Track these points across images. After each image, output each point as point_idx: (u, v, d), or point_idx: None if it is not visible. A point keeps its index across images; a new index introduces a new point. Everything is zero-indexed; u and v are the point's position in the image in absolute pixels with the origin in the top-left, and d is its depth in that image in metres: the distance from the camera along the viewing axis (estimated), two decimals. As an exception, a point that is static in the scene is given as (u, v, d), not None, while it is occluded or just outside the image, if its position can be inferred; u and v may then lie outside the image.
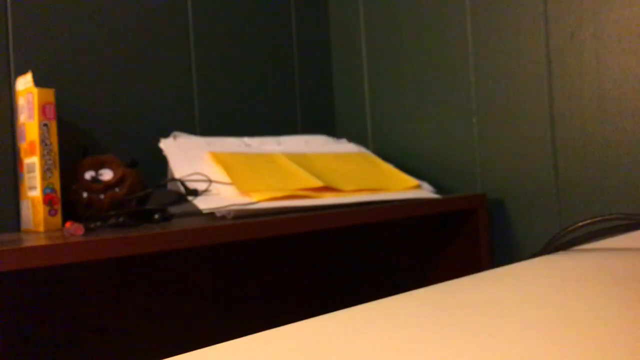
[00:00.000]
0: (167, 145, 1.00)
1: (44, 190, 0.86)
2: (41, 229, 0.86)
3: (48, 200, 0.86)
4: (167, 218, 0.85)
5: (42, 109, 0.87)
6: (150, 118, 1.11)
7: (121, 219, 0.80)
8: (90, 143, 1.04)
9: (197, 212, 0.99)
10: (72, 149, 1.02)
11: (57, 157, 0.88)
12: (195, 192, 0.89)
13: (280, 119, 1.31)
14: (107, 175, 0.94)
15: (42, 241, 0.65)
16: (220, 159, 0.99)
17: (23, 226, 0.91)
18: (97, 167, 0.94)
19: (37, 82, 0.98)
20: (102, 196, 0.92)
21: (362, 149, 1.22)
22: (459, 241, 1.15)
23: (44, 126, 0.87)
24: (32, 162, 0.88)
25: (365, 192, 1.02)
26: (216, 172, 0.96)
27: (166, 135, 1.13)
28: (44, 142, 0.87)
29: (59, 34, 1.01)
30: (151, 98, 1.11)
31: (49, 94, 0.88)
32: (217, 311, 1.16)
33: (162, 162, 1.11)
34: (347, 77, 1.39)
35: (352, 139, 1.39)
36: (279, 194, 0.91)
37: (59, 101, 1.01)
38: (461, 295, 0.34)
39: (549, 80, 1.07)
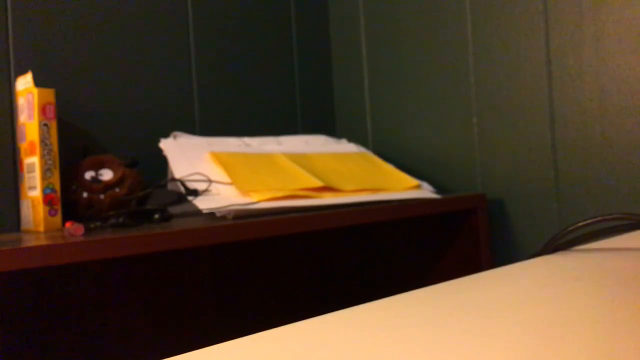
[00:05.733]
0: (167, 145, 1.00)
1: (44, 190, 0.86)
2: (41, 229, 0.86)
3: (48, 200, 0.87)
4: (167, 218, 0.85)
5: (42, 109, 0.87)
6: (150, 118, 1.11)
7: (121, 219, 0.80)
8: (90, 143, 1.04)
9: (197, 212, 0.99)
10: (72, 149, 1.02)
11: (57, 157, 0.88)
12: (195, 192, 0.89)
13: (280, 119, 1.31)
14: (107, 175, 0.94)
15: (42, 241, 0.65)
16: (220, 159, 0.99)
17: (23, 226, 0.91)
18: (97, 167, 0.94)
19: (37, 82, 0.98)
20: (102, 196, 0.92)
21: (362, 149, 1.22)
22: (459, 241, 1.15)
23: (44, 126, 0.87)
24: (32, 162, 0.88)
25: (365, 192, 1.02)
26: (216, 172, 0.96)
27: (166, 135, 1.13)
28: (44, 142, 0.87)
29: (59, 34, 1.01)
30: (151, 98, 1.11)
31: (49, 94, 0.88)
32: (217, 311, 1.16)
33: (162, 162, 1.11)
34: (347, 77, 1.39)
35: (352, 139, 1.39)
36: (279, 194, 0.91)
37: (59, 101, 1.01)
38: (461, 295, 0.34)
39: (549, 80, 1.07)
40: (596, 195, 1.02)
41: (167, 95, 1.14)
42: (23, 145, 0.90)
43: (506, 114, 1.12)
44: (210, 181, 0.92)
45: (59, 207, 0.88)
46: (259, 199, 0.89)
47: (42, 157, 0.87)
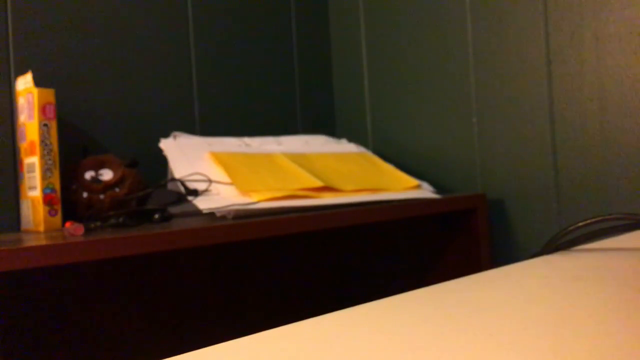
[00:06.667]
0: (167, 145, 1.00)
1: (44, 190, 0.86)
2: (41, 229, 0.86)
3: (48, 200, 0.87)
4: (167, 218, 0.85)
5: (42, 109, 0.87)
6: (150, 118, 1.11)
7: (121, 219, 0.80)
8: (90, 143, 1.04)
9: (197, 212, 0.99)
10: (72, 149, 1.02)
11: (57, 157, 0.88)
12: (195, 192, 0.89)
13: (280, 119, 1.31)
14: (107, 175, 0.94)
15: (42, 241, 0.65)
16: (220, 159, 0.99)
17: (23, 226, 0.91)
18: (97, 167, 0.94)
19: (37, 82, 0.98)
20: (102, 196, 0.92)
21: (362, 149, 1.22)
22: (459, 241, 1.15)
23: (44, 126, 0.87)
24: (32, 162, 0.88)
25: (365, 192, 1.02)
26: (216, 172, 0.96)
27: (166, 135, 1.13)
28: (44, 142, 0.87)
29: (59, 34, 1.01)
30: (151, 98, 1.11)
31: (49, 94, 0.88)
32: (217, 311, 1.16)
33: (162, 162, 1.11)
34: (347, 77, 1.39)
35: (352, 139, 1.39)
36: (279, 194, 0.91)
37: (59, 101, 1.01)
38: (461, 295, 0.34)
39: (549, 80, 1.07)
40: (596, 195, 1.02)
41: (167, 95, 1.14)
42: (23, 145, 0.90)
43: (506, 114, 1.12)
44: (210, 181, 0.92)
45: (59, 207, 0.88)
46: (259, 199, 0.89)
47: (42, 157, 0.87)
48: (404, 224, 1.26)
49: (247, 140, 1.12)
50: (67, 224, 0.72)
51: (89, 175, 0.93)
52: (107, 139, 1.06)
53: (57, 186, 0.88)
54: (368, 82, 1.35)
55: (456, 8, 1.18)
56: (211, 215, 0.91)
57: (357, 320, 0.30)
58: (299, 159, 1.08)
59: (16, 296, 0.94)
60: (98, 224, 0.78)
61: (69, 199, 0.92)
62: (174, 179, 0.91)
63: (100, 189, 0.92)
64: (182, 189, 0.91)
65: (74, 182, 0.92)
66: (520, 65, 1.10)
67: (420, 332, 0.27)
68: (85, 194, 0.92)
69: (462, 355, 0.24)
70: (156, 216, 0.85)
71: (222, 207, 0.84)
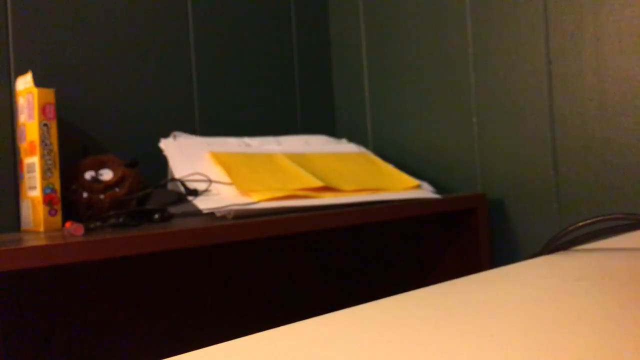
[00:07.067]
0: (167, 145, 1.00)
1: (44, 190, 0.86)
2: (41, 229, 0.86)
3: (48, 200, 0.86)
4: (167, 218, 0.85)
5: (42, 109, 0.87)
6: (150, 118, 1.11)
7: (121, 219, 0.80)
8: (90, 143, 1.04)
9: (197, 212, 0.99)
10: (72, 149, 1.02)
11: (57, 157, 0.88)
12: (195, 192, 0.89)
13: (280, 119, 1.31)
14: (107, 175, 0.94)
15: (42, 241, 0.65)
16: (220, 159, 0.99)
17: (23, 226, 0.91)
18: (97, 167, 0.94)
19: (37, 82, 0.98)
20: (102, 196, 0.92)
21: (362, 149, 1.22)
22: (459, 241, 1.15)
23: (44, 126, 0.87)
24: (32, 162, 0.88)
25: (365, 192, 1.02)
26: (216, 172, 0.96)
27: (166, 135, 1.13)
28: (44, 142, 0.87)
29: (59, 34, 1.01)
30: (151, 98, 1.11)
31: (49, 94, 0.88)
32: (217, 311, 1.16)
33: (162, 162, 1.11)
34: (347, 77, 1.39)
35: (352, 139, 1.39)
36: (279, 194, 0.91)
37: (59, 101, 1.01)
38: (461, 295, 0.34)
39: (549, 80, 1.07)
40: (596, 195, 1.02)
41: (167, 95, 1.14)
42: (23, 145, 0.90)
43: (506, 114, 1.12)
44: (210, 181, 0.92)
45: (59, 207, 0.88)
46: (259, 199, 0.89)
47: (42, 157, 0.87)
48: (404, 224, 1.26)
49: (247, 140, 1.12)
50: (67, 224, 0.72)
51: (89, 175, 0.93)
52: (107, 139, 1.06)
53: (57, 186, 0.88)
54: (368, 82, 1.35)
55: (456, 8, 1.18)
56: (211, 215, 0.91)
57: (357, 320, 0.30)
58: (299, 159, 1.08)
59: (16, 296, 0.94)
60: (98, 224, 0.78)
61: (69, 199, 0.92)
62: (174, 179, 0.91)
63: (100, 189, 0.92)
64: (182, 189, 0.91)
65: (74, 182, 0.92)
66: (520, 65, 1.10)
67: (420, 332, 0.27)
68: (85, 194, 0.92)
69: (462, 355, 0.24)
70: (156, 216, 0.85)
71: (222, 207, 0.84)
